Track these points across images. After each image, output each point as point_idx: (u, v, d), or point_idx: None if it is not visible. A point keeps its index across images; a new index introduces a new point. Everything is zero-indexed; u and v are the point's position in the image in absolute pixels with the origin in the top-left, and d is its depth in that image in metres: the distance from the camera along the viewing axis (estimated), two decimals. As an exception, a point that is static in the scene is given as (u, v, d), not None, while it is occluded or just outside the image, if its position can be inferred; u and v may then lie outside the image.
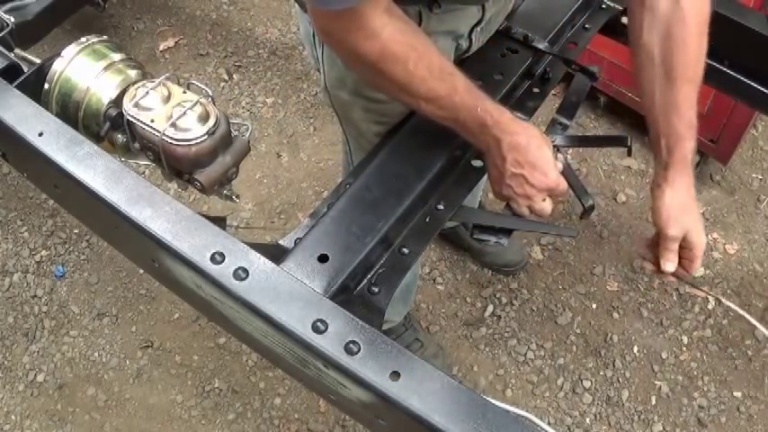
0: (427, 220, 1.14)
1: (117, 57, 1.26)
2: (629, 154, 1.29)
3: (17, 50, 1.34)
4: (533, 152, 1.09)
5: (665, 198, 1.15)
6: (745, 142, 2.51)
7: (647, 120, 1.16)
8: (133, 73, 1.25)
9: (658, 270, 1.20)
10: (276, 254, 1.04)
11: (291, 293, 0.94)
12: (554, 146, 1.16)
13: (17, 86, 1.20)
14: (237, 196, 1.25)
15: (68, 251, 2.31)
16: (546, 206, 1.14)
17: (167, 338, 2.14)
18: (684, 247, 1.18)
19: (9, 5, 1.52)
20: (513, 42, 1.35)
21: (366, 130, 1.35)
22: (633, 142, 1.26)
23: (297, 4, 1.26)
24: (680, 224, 1.15)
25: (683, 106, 1.11)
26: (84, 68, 1.23)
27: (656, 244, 1.20)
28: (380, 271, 1.08)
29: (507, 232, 1.17)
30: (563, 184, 1.13)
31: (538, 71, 1.35)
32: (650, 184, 1.19)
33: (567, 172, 1.16)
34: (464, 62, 1.34)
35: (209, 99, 1.16)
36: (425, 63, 1.04)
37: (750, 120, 2.24)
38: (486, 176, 1.24)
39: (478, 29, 1.29)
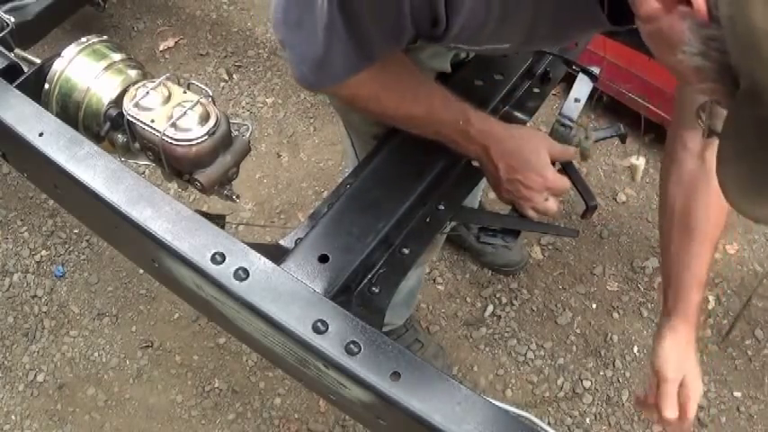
0: (427, 220, 1.14)
1: (117, 57, 1.26)
2: (623, 141, 1.31)
3: (17, 50, 1.34)
4: (525, 155, 1.10)
5: (665, 344, 1.16)
6: (745, 142, 2.51)
7: (661, 264, 1.19)
8: (133, 73, 1.25)
9: (660, 418, 1.18)
10: (276, 254, 1.04)
11: (292, 294, 0.94)
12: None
13: (17, 86, 1.20)
14: (237, 196, 1.25)
15: (68, 251, 2.31)
16: (550, 205, 1.14)
17: (167, 338, 2.14)
18: (681, 392, 1.17)
19: (9, 5, 1.52)
20: (514, 42, 1.34)
21: (367, 132, 1.35)
22: (632, 142, 1.27)
23: None
24: (677, 370, 1.15)
25: (695, 263, 1.14)
26: (85, 68, 1.23)
27: (651, 393, 1.20)
28: (381, 271, 1.08)
29: (513, 233, 1.17)
30: (562, 182, 1.13)
31: (538, 71, 1.35)
32: (655, 333, 1.20)
33: (569, 170, 1.16)
34: (464, 63, 1.34)
35: (210, 99, 1.16)
36: (397, 94, 1.05)
37: (750, 120, 2.24)
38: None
39: None
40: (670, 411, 1.14)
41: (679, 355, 1.15)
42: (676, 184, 1.14)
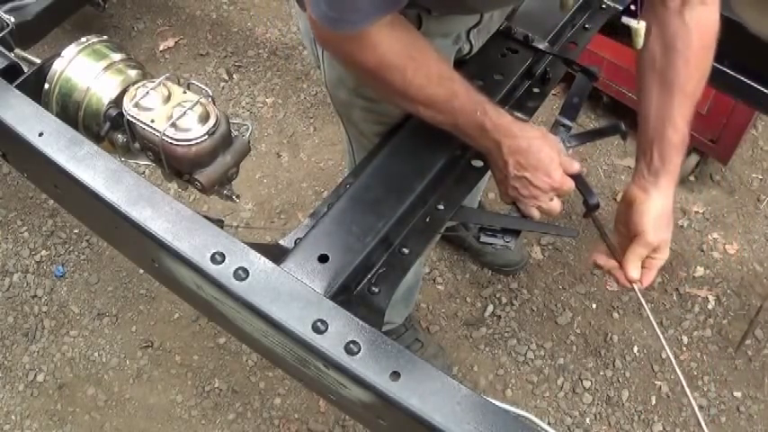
0: (427, 220, 1.14)
1: (117, 57, 1.26)
2: (624, 139, 1.31)
3: (17, 50, 1.34)
4: (534, 154, 1.10)
5: (652, 204, 1.13)
6: (745, 142, 2.52)
7: (641, 122, 1.16)
8: (133, 73, 1.25)
9: (619, 280, 1.17)
10: (276, 254, 1.04)
11: (291, 293, 0.94)
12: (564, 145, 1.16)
13: (17, 86, 1.20)
14: (237, 196, 1.25)
15: (68, 251, 2.31)
16: (554, 205, 1.14)
17: (167, 338, 2.14)
18: (648, 257, 1.15)
19: (9, 5, 1.52)
20: (514, 42, 1.35)
21: (366, 131, 1.35)
22: (633, 141, 1.27)
23: (296, 3, 1.26)
24: (660, 234, 1.13)
25: (678, 120, 1.11)
26: (85, 68, 1.23)
27: (616, 250, 1.18)
28: (381, 271, 1.08)
29: (514, 234, 1.17)
30: (568, 183, 1.13)
31: (538, 71, 1.35)
32: (630, 188, 1.16)
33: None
34: (465, 62, 1.34)
35: (210, 99, 1.16)
36: (424, 71, 1.04)
37: (750, 120, 2.24)
38: (486, 177, 1.24)
39: (475, 30, 1.29)
40: (636, 272, 1.13)
41: (663, 220, 1.13)
42: (656, 42, 1.12)
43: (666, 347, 1.15)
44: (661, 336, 1.16)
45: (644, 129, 1.15)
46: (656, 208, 1.13)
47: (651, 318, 1.18)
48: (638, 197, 1.14)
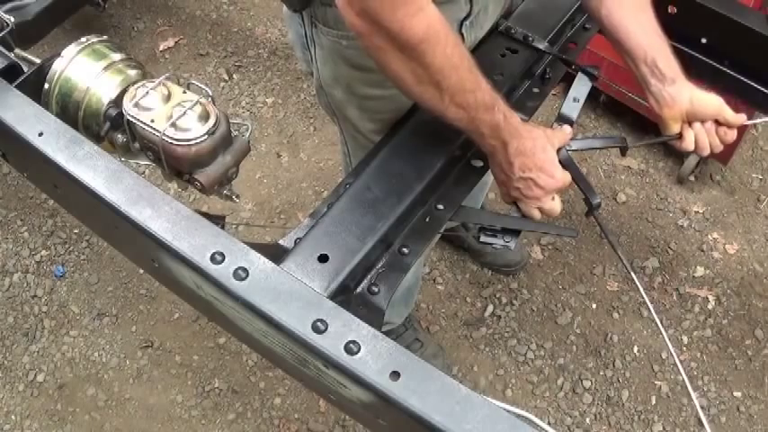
0: (427, 220, 1.14)
1: (117, 57, 1.26)
2: (623, 154, 1.31)
3: (17, 50, 1.33)
4: (539, 155, 1.10)
5: (693, 90, 1.21)
6: (745, 142, 2.52)
7: (622, 36, 1.21)
8: (133, 73, 1.25)
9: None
10: (276, 254, 1.04)
11: (291, 293, 0.94)
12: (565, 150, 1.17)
13: (17, 86, 1.20)
14: (237, 196, 1.25)
15: (68, 251, 2.31)
16: (555, 205, 1.15)
17: (167, 338, 2.14)
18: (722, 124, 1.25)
19: (9, 5, 1.52)
20: (513, 42, 1.34)
21: (363, 128, 1.36)
22: (632, 142, 1.27)
23: (285, 7, 1.25)
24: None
25: (659, 30, 1.19)
26: (84, 68, 1.23)
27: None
28: (380, 271, 1.08)
29: (514, 233, 1.17)
30: (568, 180, 1.14)
31: (538, 71, 1.35)
32: (662, 101, 1.23)
33: (571, 168, 1.17)
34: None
35: (209, 99, 1.16)
36: (459, 50, 1.01)
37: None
38: (486, 178, 1.24)
39: (467, 23, 1.27)
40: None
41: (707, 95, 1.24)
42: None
43: (670, 345, 1.16)
44: (664, 333, 1.17)
45: (630, 44, 1.20)
46: (695, 91, 1.21)
47: (654, 316, 1.19)
48: (680, 97, 1.20)
